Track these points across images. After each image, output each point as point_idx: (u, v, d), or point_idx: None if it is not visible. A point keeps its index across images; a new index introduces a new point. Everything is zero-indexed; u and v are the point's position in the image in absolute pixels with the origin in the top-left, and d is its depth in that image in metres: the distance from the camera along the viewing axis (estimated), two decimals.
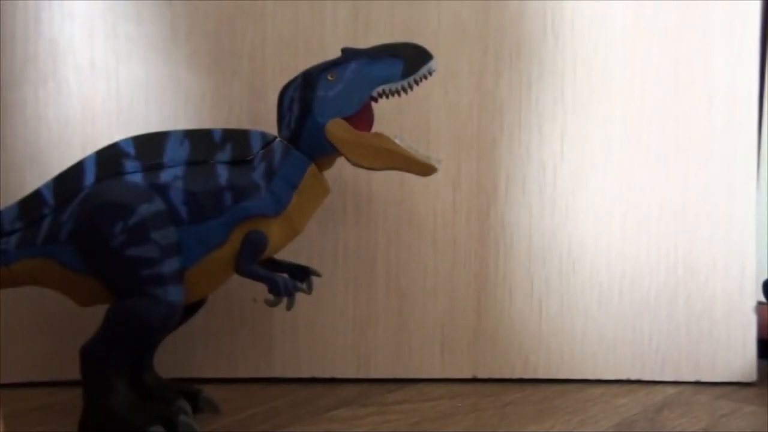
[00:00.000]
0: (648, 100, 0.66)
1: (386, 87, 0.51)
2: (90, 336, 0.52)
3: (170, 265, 0.50)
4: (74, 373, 0.53)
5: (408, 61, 0.51)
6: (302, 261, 0.58)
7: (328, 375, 0.67)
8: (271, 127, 0.55)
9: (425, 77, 0.51)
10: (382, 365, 0.67)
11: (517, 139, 0.66)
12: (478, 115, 0.66)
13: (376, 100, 0.52)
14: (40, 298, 0.63)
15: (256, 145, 0.53)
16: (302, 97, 0.52)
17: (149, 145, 0.52)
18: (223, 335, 0.66)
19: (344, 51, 0.53)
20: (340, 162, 0.54)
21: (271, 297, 0.51)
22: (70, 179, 0.52)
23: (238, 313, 0.66)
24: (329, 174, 0.55)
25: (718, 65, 0.66)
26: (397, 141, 0.51)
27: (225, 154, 0.52)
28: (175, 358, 0.65)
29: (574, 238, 0.67)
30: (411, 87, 0.51)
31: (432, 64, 0.51)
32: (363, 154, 0.52)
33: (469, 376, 0.67)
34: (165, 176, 0.52)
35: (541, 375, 0.67)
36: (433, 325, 0.67)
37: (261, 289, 0.53)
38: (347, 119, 0.52)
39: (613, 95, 0.66)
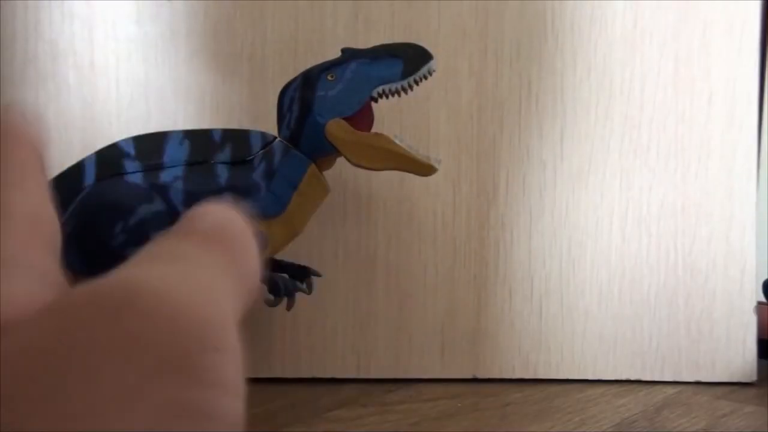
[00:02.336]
0: (648, 100, 0.66)
1: (386, 87, 0.51)
2: None
3: None
4: None
5: (408, 61, 0.51)
6: (302, 261, 0.58)
7: (328, 375, 0.67)
8: (271, 127, 0.55)
9: (425, 77, 0.51)
10: (382, 365, 0.67)
11: (517, 139, 0.66)
12: (478, 115, 0.66)
13: (376, 100, 0.52)
14: None
15: (256, 145, 0.53)
16: (302, 97, 0.52)
17: (149, 146, 0.52)
18: None
19: (344, 51, 0.53)
20: (340, 162, 0.54)
21: (271, 297, 0.51)
22: (69, 179, 0.52)
23: None
24: (329, 174, 0.55)
25: (718, 65, 0.66)
26: (397, 141, 0.51)
27: (225, 155, 0.52)
28: None
29: (574, 238, 0.67)
30: (411, 87, 0.51)
31: (432, 64, 0.51)
32: (363, 154, 0.52)
33: (469, 376, 0.67)
34: (165, 176, 0.52)
35: (541, 375, 0.67)
36: (433, 325, 0.67)
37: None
38: (347, 119, 0.52)
39: (613, 95, 0.66)
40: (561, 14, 0.66)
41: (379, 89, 0.51)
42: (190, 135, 0.53)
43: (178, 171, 0.52)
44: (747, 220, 0.67)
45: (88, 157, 0.53)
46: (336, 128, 0.51)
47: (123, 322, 0.14)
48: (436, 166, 0.52)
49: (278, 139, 0.53)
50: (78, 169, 0.52)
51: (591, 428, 0.57)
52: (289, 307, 0.51)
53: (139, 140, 0.53)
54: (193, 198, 0.51)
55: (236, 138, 0.53)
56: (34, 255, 0.17)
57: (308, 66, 0.53)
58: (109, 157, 0.52)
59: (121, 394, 0.13)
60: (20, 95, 0.63)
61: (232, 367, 0.15)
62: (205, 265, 0.17)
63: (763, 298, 0.69)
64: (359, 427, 0.57)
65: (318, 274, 0.57)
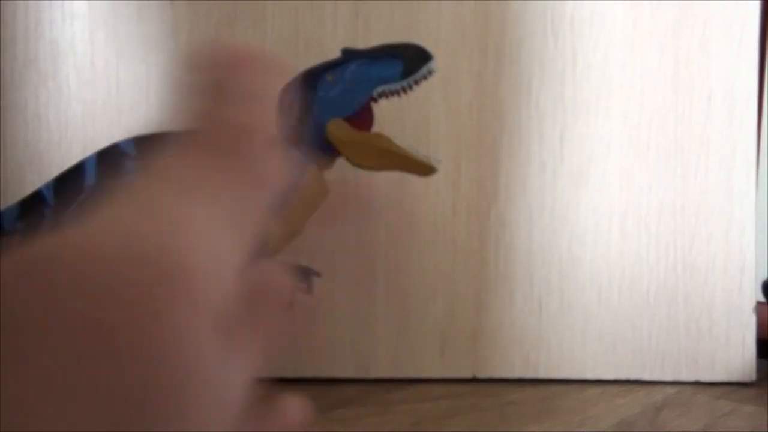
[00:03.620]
0: (648, 100, 0.66)
1: (386, 87, 0.51)
2: None
3: None
4: None
5: (408, 61, 0.51)
6: (302, 261, 0.58)
7: (328, 375, 0.67)
8: None
9: (425, 78, 0.51)
10: (382, 365, 0.67)
11: (517, 140, 0.66)
12: (478, 116, 0.66)
13: (376, 101, 0.52)
14: None
15: None
16: (302, 97, 0.52)
17: (150, 146, 0.52)
18: None
19: (344, 51, 0.53)
20: (340, 162, 0.54)
21: None
22: (70, 179, 0.52)
23: None
24: (329, 174, 0.55)
25: (717, 65, 0.66)
26: (397, 141, 0.52)
27: None
28: None
29: (574, 237, 0.67)
30: (411, 87, 0.51)
31: (432, 64, 0.51)
32: (363, 155, 0.52)
33: (469, 376, 0.67)
34: None
35: (541, 375, 0.67)
36: (433, 325, 0.67)
37: None
38: (347, 119, 0.52)
39: (613, 95, 0.66)
40: (561, 14, 0.66)
41: (379, 89, 0.51)
42: None
43: None
44: (746, 220, 0.67)
45: (89, 158, 0.53)
46: (336, 128, 0.51)
47: (49, 298, 0.11)
48: (436, 166, 0.52)
49: None
50: (78, 169, 0.52)
51: (591, 428, 0.57)
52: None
53: (139, 140, 0.53)
54: None
55: None
56: None
57: (308, 66, 0.53)
58: (110, 158, 0.52)
59: (49, 382, 0.11)
60: (21, 95, 0.63)
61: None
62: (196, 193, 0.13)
63: (762, 298, 0.69)
64: (359, 427, 0.57)
65: (318, 274, 0.57)
